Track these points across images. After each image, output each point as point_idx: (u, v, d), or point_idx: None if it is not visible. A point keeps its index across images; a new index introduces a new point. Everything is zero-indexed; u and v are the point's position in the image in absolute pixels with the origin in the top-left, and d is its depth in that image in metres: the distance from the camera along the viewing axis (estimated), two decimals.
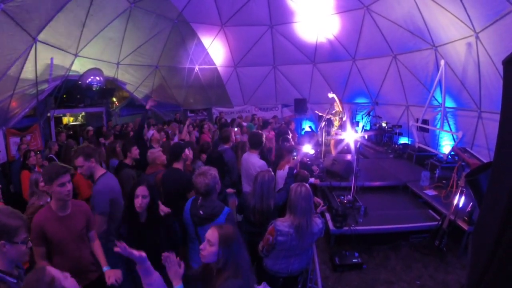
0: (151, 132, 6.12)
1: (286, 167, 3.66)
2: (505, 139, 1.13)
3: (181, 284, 1.85)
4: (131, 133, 6.90)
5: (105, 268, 2.31)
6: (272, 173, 3.04)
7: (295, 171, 3.57)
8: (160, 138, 5.90)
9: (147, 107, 5.37)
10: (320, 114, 8.37)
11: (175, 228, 2.58)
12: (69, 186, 2.20)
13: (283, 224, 2.45)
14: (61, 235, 2.19)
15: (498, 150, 1.18)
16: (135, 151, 4.05)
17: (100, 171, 2.89)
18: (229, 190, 3.97)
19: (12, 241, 1.60)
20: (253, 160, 3.80)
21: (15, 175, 4.93)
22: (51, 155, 5.53)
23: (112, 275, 2.19)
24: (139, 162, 4.20)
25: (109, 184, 2.83)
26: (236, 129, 6.66)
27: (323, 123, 7.65)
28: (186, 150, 3.51)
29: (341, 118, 7.55)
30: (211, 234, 1.75)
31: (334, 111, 7.98)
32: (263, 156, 4.28)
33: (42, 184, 3.03)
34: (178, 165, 3.36)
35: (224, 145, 4.53)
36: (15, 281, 1.65)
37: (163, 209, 2.53)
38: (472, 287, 1.08)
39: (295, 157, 3.80)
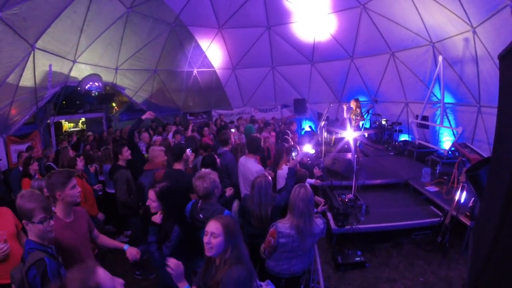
0: (155, 138, 6.17)
1: (285, 166, 3.64)
2: (502, 133, 1.12)
3: (187, 285, 1.86)
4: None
5: (125, 247, 2.49)
6: (269, 178, 2.99)
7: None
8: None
9: (143, 117, 5.01)
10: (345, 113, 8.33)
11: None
12: (79, 187, 2.27)
13: (284, 225, 2.44)
14: (73, 241, 2.18)
15: (496, 144, 1.18)
16: (126, 153, 4.06)
17: None
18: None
19: (31, 221, 1.77)
20: (249, 165, 3.75)
21: (14, 183, 4.94)
22: (49, 163, 5.50)
23: (134, 252, 2.44)
24: (132, 165, 4.22)
25: None
26: (233, 130, 6.64)
27: (323, 122, 7.64)
28: (187, 151, 3.52)
29: (358, 119, 7.54)
30: (214, 225, 1.77)
31: (352, 112, 8.01)
32: (261, 158, 4.24)
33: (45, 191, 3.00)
34: (179, 166, 3.38)
35: (223, 147, 4.52)
36: (54, 253, 1.83)
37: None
38: (473, 280, 1.08)
39: (294, 157, 3.77)
